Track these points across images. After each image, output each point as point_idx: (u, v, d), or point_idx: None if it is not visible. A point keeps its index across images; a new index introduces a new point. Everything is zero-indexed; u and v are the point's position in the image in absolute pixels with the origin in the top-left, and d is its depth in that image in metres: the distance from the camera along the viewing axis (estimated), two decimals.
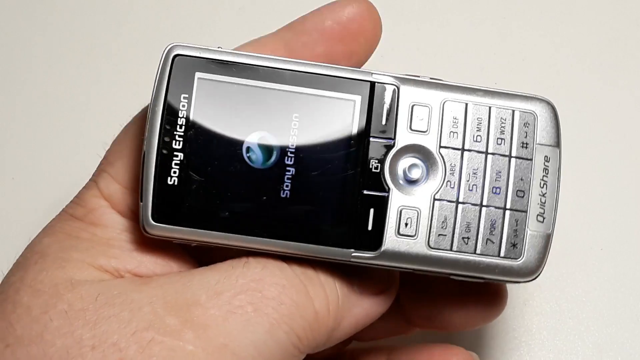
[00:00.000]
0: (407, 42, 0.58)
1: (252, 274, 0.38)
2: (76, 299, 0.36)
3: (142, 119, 0.41)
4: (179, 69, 0.38)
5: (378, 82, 0.39)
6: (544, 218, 0.40)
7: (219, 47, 0.39)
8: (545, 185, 0.40)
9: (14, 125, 0.58)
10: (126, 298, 0.36)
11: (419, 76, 0.40)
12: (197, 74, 0.38)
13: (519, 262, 0.40)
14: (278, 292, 0.37)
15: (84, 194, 0.40)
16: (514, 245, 0.40)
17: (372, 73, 0.40)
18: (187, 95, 0.38)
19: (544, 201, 0.40)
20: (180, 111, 0.38)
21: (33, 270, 0.37)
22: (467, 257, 0.40)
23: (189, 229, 0.38)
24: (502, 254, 0.40)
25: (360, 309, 0.40)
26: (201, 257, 0.41)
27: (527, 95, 0.40)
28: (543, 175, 0.40)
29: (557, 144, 0.40)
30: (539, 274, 0.40)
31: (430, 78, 0.41)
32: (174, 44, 0.39)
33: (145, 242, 0.39)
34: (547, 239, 0.40)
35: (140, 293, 0.37)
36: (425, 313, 0.45)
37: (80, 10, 0.60)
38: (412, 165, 0.39)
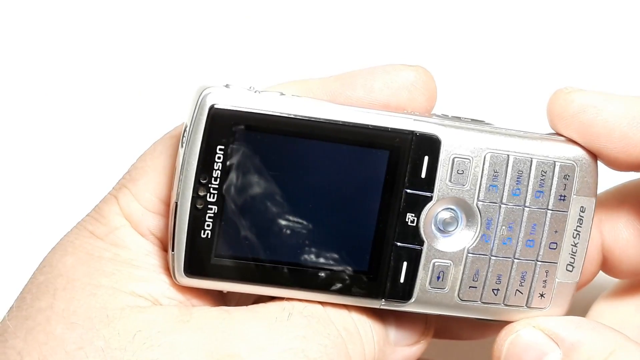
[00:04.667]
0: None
1: (296, 330, 0.37)
2: (113, 335, 0.35)
3: (171, 139, 0.39)
4: (216, 121, 0.36)
5: (419, 133, 0.38)
6: (573, 267, 0.40)
7: (251, 87, 0.37)
8: (578, 236, 0.39)
9: (15, 125, 0.57)
10: (165, 340, 0.36)
11: (460, 118, 0.39)
12: (235, 127, 0.37)
13: (545, 310, 0.40)
14: (321, 354, 0.37)
15: (103, 210, 0.39)
16: (541, 295, 0.40)
17: (414, 119, 0.38)
18: (223, 147, 0.37)
19: (575, 251, 0.40)
20: (215, 163, 0.37)
21: (62, 297, 0.36)
22: (495, 307, 0.39)
23: (222, 281, 0.38)
24: (529, 304, 0.40)
25: None
26: None
27: (569, 140, 0.39)
28: (577, 226, 0.39)
29: (594, 195, 0.39)
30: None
31: (472, 120, 0.39)
32: (210, 91, 0.36)
33: None
34: (574, 287, 0.40)
35: (180, 335, 0.36)
36: (438, 326, 0.45)
37: (102, 15, 0.58)
38: (449, 219, 0.38)
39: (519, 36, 0.56)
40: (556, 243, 0.39)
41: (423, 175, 0.38)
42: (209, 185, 0.37)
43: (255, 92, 0.37)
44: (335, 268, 0.38)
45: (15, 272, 0.40)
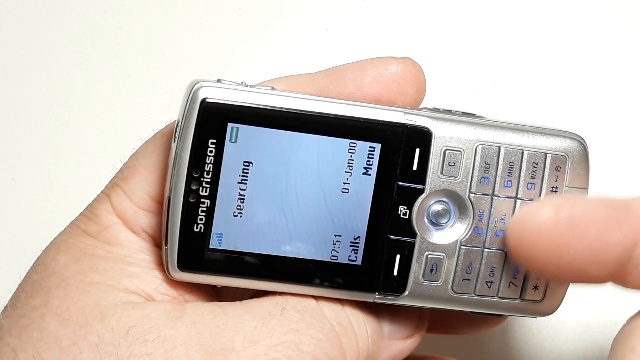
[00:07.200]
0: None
1: (290, 323, 0.37)
2: (106, 331, 0.36)
3: (162, 137, 0.39)
4: (207, 115, 0.37)
5: (411, 125, 0.38)
6: None
7: (243, 82, 0.38)
8: None
9: (15, 125, 0.57)
10: (159, 335, 0.36)
11: (451, 111, 0.39)
12: (227, 120, 0.37)
13: (539, 302, 0.40)
14: (314, 347, 0.37)
15: (96, 208, 0.39)
16: (535, 287, 0.40)
17: (405, 113, 0.38)
18: (214, 141, 0.37)
19: None
20: (207, 157, 0.37)
21: (56, 295, 0.37)
22: (489, 299, 0.39)
23: (214, 275, 0.38)
24: (523, 296, 0.40)
25: (387, 355, 0.40)
26: None
27: (560, 132, 0.39)
28: None
29: (586, 186, 0.40)
30: (556, 310, 0.40)
31: (463, 113, 0.39)
32: (201, 85, 0.37)
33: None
34: None
35: (174, 330, 0.36)
36: (434, 322, 0.45)
37: (94, 13, 0.58)
38: (441, 211, 0.39)
39: (508, 29, 0.56)
40: None
41: (415, 167, 0.38)
42: (201, 179, 0.37)
43: (246, 86, 0.37)
44: (328, 262, 0.38)
45: (9, 271, 0.40)
